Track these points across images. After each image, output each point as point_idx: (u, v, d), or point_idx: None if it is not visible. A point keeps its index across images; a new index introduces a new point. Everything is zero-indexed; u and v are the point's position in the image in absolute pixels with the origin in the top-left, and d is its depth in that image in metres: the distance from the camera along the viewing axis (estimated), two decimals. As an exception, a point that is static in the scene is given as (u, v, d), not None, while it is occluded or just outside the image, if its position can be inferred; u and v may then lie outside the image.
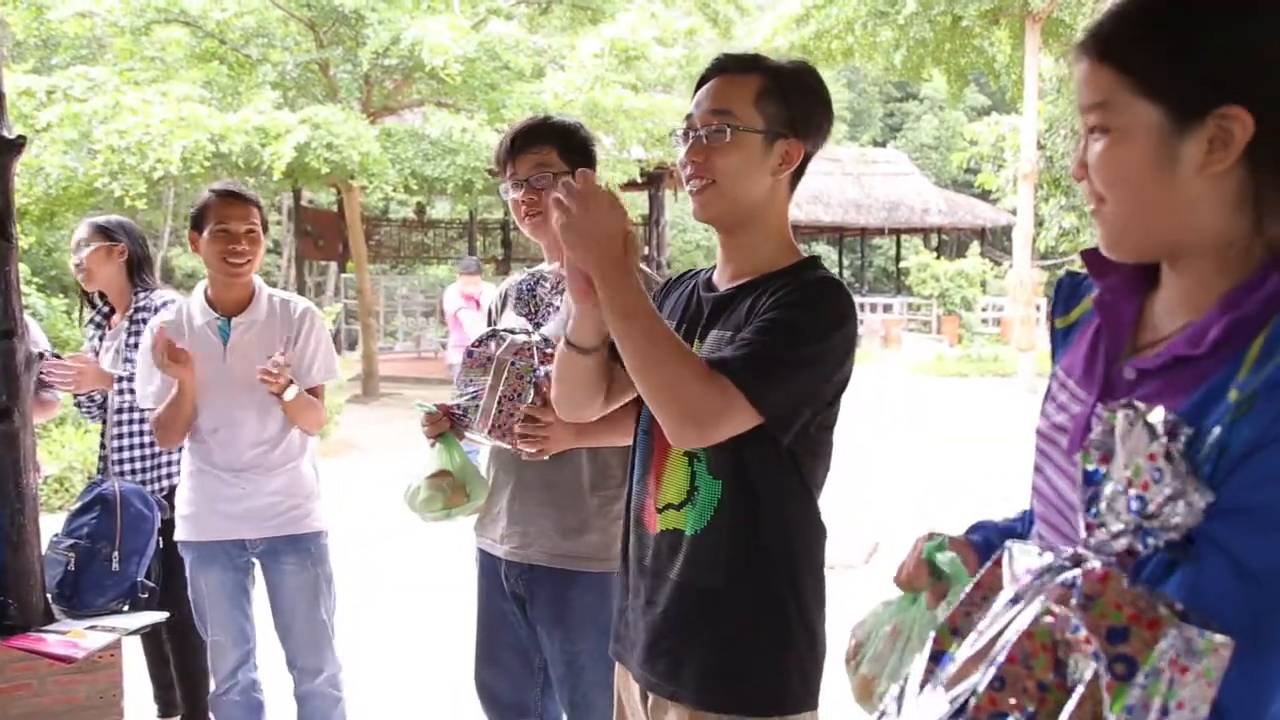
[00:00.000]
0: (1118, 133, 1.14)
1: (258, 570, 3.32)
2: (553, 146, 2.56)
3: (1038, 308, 17.85)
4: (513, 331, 2.52)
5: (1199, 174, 1.11)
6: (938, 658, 1.09)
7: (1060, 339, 1.38)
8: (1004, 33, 17.55)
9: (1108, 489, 1.01)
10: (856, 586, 5.73)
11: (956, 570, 1.41)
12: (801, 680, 1.83)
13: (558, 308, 2.47)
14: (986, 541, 1.50)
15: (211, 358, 3.19)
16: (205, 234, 3.19)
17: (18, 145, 3.21)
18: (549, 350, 2.43)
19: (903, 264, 27.71)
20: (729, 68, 1.92)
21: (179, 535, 3.30)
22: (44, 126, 12.15)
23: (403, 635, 5.22)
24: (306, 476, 3.32)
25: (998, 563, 1.10)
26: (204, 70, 14.62)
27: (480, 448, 2.76)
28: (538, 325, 2.48)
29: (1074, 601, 0.98)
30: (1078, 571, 1.00)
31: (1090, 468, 1.03)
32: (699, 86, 1.95)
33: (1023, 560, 1.07)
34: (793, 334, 1.75)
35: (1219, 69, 1.10)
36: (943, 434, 11.89)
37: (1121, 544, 1.00)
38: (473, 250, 22.93)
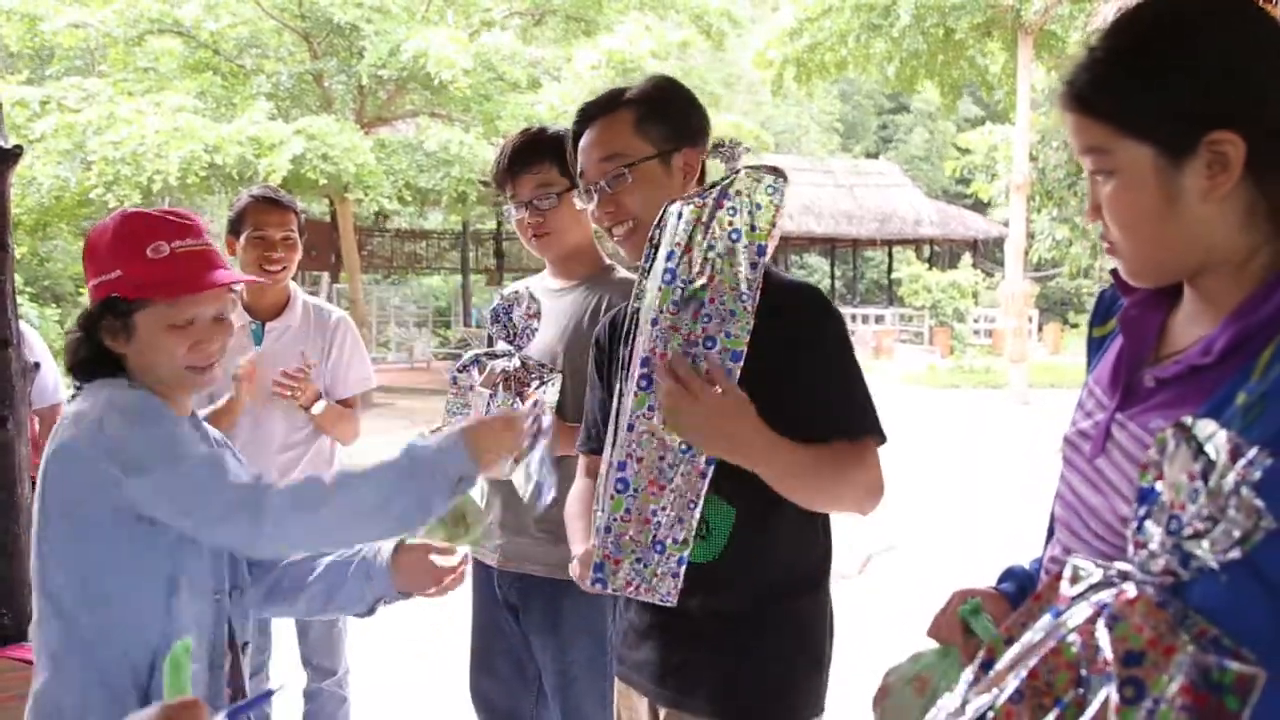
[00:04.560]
0: (1120, 176, 1.17)
1: None
2: (552, 163, 2.50)
3: (1030, 319, 17.91)
4: (495, 355, 2.51)
5: (1205, 200, 1.13)
6: (987, 666, 1.09)
7: (1095, 347, 1.41)
8: (996, 45, 17.62)
9: (1155, 508, 0.98)
10: (849, 597, 5.75)
11: (989, 635, 1.38)
12: (811, 689, 1.85)
13: (536, 329, 2.45)
14: (1020, 590, 1.50)
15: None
16: (242, 239, 3.16)
17: (14, 155, 3.22)
18: (532, 376, 2.44)
19: (895, 275, 27.79)
20: (596, 112, 1.96)
21: None
22: (38, 137, 12.16)
23: (399, 643, 5.22)
24: None
25: (1058, 577, 1.09)
26: (198, 81, 14.65)
27: None
28: (519, 347, 2.47)
29: (1102, 621, 0.97)
30: (1113, 592, 0.98)
31: (1146, 485, 1.00)
32: (575, 143, 1.98)
33: (1080, 575, 1.06)
34: (845, 358, 1.80)
35: (1196, 100, 1.12)
36: (934, 445, 11.90)
37: (1159, 564, 0.97)
38: (465, 261, 22.96)
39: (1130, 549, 1.02)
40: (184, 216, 1.87)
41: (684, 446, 1.61)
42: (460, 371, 2.57)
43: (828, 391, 1.77)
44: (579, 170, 1.98)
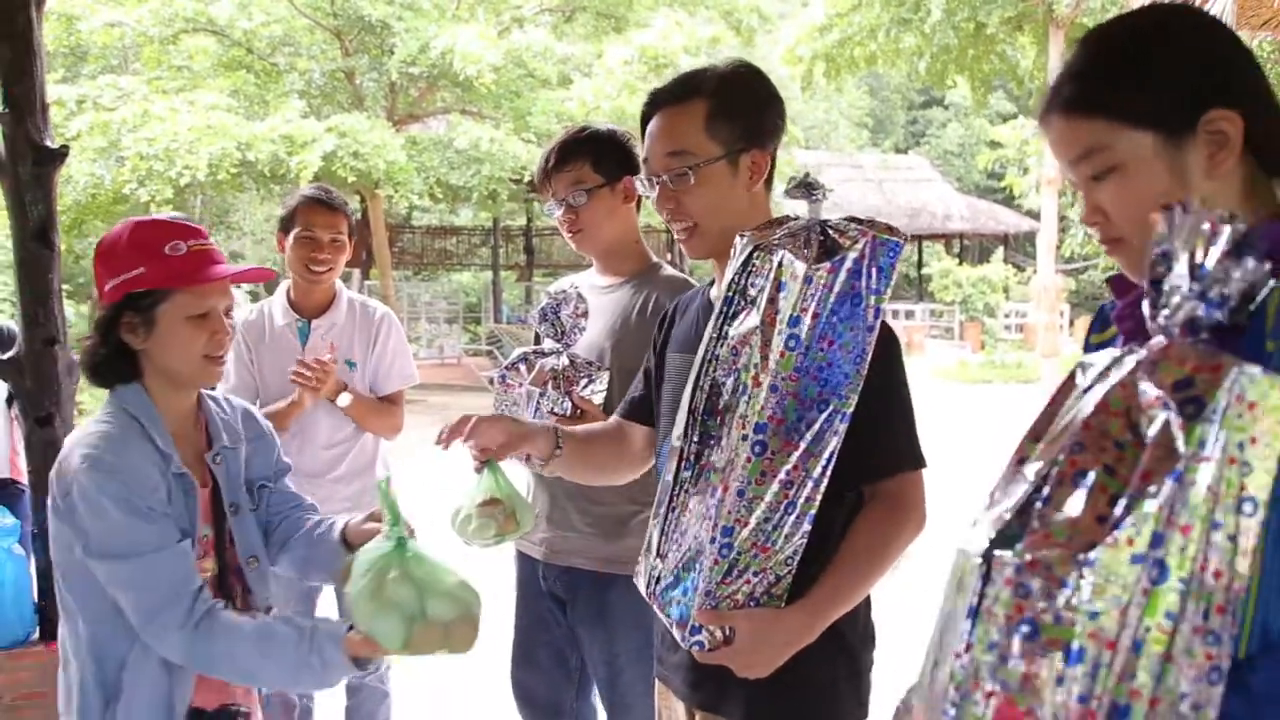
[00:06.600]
0: (1123, 168, 1.20)
1: None
2: (586, 161, 2.54)
3: (1061, 313, 17.75)
4: (543, 353, 2.52)
5: (1209, 177, 1.17)
6: (1021, 463, 1.13)
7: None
8: (1027, 39, 17.49)
9: (1171, 275, 1.02)
10: (885, 596, 5.73)
11: None
12: (852, 691, 1.82)
13: (584, 328, 2.47)
14: None
15: (289, 358, 3.15)
16: (291, 237, 3.19)
17: (60, 155, 3.28)
18: (580, 374, 2.46)
19: (925, 270, 27.64)
20: (667, 100, 1.87)
21: None
22: (74, 135, 12.29)
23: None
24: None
25: (1072, 377, 1.12)
26: (231, 79, 14.78)
27: None
28: (567, 345, 2.49)
29: (1140, 370, 1.01)
30: (1142, 351, 1.02)
31: (1160, 269, 1.04)
32: (643, 125, 1.91)
33: (1090, 365, 1.09)
34: (898, 386, 1.77)
35: (1189, 83, 1.17)
36: (967, 441, 11.84)
37: (1182, 315, 1.00)
38: (496, 257, 23.04)
39: (1149, 324, 1.04)
40: (189, 222, 2.03)
41: (788, 504, 1.58)
42: (509, 369, 2.59)
43: (885, 428, 1.72)
44: (643, 156, 1.92)
